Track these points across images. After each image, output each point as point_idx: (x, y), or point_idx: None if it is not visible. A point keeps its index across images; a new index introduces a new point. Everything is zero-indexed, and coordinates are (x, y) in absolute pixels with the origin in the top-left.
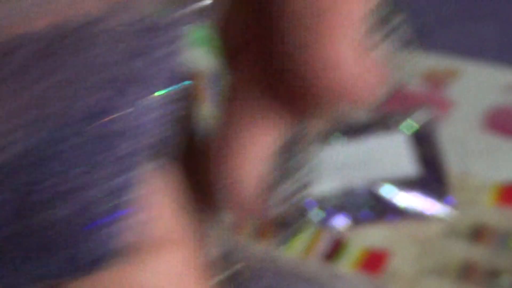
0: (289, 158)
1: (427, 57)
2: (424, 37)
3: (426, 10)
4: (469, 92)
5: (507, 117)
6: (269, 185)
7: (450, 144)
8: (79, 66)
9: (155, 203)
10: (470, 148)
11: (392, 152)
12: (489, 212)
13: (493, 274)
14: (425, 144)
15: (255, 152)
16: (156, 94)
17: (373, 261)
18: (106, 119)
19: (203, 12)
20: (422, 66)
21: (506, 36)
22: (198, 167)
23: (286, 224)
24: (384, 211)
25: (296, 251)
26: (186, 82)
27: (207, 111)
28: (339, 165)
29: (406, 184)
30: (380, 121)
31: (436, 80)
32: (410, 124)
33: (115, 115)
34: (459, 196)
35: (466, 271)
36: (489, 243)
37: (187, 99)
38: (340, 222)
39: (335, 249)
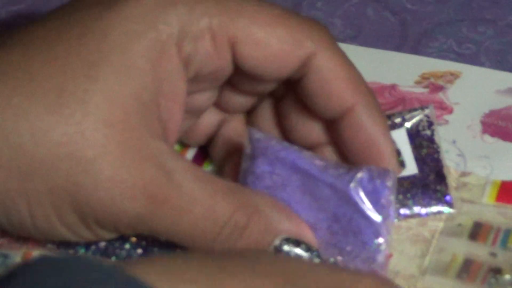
0: None
1: (427, 60)
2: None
3: (425, 14)
4: (468, 94)
5: (505, 120)
6: None
7: (450, 143)
8: None
9: None
10: (469, 148)
11: None
12: (489, 211)
13: (494, 272)
14: (425, 143)
15: None
16: None
17: None
18: None
19: None
20: (422, 69)
21: (505, 40)
22: None
23: None
24: None
25: None
26: None
27: None
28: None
29: (407, 183)
30: None
31: (436, 82)
32: (410, 124)
33: None
34: (458, 194)
35: (467, 269)
36: (490, 241)
37: None
38: None
39: None
